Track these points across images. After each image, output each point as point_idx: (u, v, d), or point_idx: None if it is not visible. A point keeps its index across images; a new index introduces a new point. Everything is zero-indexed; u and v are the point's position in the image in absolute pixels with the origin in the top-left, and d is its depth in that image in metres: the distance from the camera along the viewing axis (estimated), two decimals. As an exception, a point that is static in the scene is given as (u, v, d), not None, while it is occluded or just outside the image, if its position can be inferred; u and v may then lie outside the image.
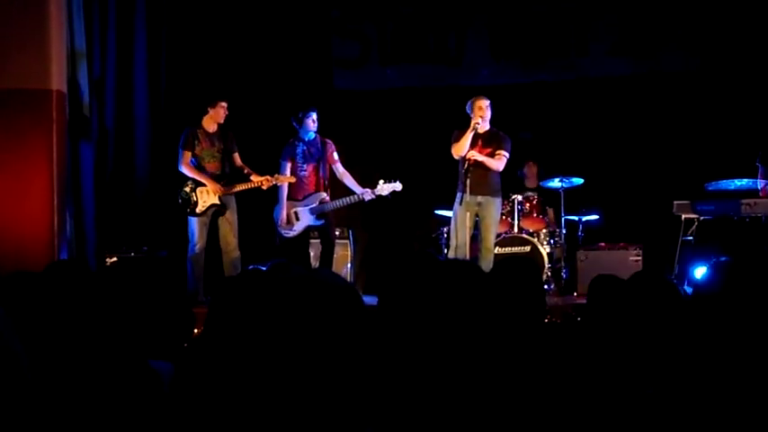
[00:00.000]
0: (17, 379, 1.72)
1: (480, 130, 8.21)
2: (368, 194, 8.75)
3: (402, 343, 2.39)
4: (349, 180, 8.88)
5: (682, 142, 9.71)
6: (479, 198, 8.22)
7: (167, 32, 10.02)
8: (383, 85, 10.64)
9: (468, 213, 8.19)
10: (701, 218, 8.86)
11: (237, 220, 8.61)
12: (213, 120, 8.52)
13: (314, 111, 8.68)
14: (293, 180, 8.63)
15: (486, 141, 8.26)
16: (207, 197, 8.42)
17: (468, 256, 8.12)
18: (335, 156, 8.84)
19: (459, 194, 8.26)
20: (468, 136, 8.13)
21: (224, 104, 8.54)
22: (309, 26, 10.53)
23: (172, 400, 2.26)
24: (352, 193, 8.83)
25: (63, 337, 2.43)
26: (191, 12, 10.17)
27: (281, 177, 8.56)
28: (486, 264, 7.92)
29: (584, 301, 7.87)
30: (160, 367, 2.56)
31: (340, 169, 8.88)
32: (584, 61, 10.33)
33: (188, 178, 8.43)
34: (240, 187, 8.54)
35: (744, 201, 8.57)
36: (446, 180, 10.08)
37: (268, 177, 8.49)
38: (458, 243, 8.24)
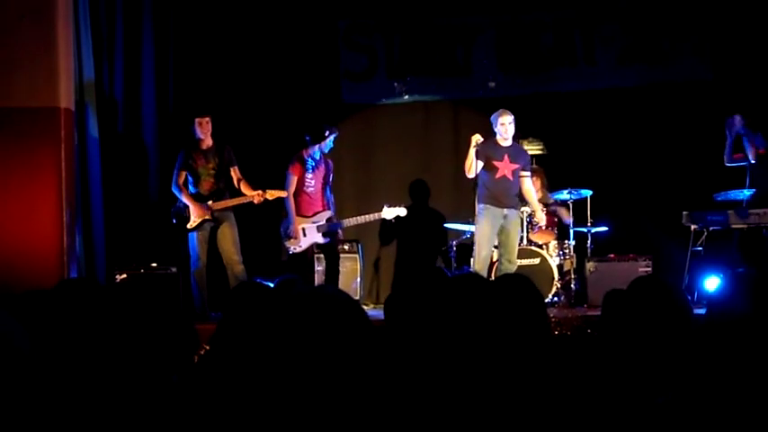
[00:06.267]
0: (24, 380, 1.72)
1: (504, 144, 8.41)
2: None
3: (408, 357, 2.38)
4: (332, 204, 8.90)
5: (690, 153, 9.68)
6: (506, 211, 8.37)
7: (174, 46, 10.03)
8: (391, 98, 10.64)
9: (494, 225, 8.35)
10: (711, 228, 8.84)
11: (238, 234, 8.57)
12: (201, 136, 8.48)
13: (337, 132, 8.69)
14: (284, 194, 8.57)
15: (513, 156, 8.45)
16: (198, 214, 8.43)
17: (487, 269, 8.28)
18: (330, 177, 8.87)
19: (482, 206, 8.36)
20: (471, 154, 8.25)
21: (202, 120, 8.44)
22: (317, 39, 10.53)
23: (178, 412, 2.26)
24: (364, 212, 8.89)
25: (73, 355, 2.43)
26: (198, 24, 10.18)
27: (273, 192, 8.49)
28: None
29: (594, 313, 7.93)
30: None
31: (327, 192, 8.89)
32: (592, 71, 10.31)
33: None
34: (230, 203, 8.51)
35: (753, 211, 8.56)
36: (455, 193, 10.11)
37: (260, 192, 8.44)
38: (486, 254, 8.35)
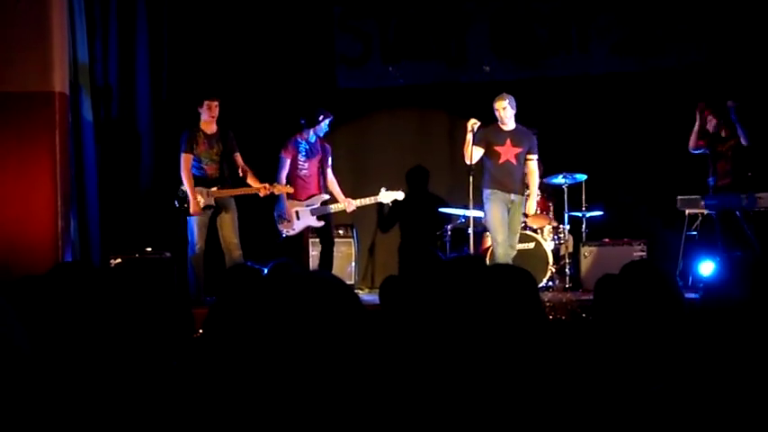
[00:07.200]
0: (20, 369, 1.73)
1: (506, 128, 8.31)
2: (350, 206, 8.80)
3: (403, 341, 2.39)
4: (335, 187, 8.89)
5: (685, 137, 9.68)
6: (512, 196, 8.31)
7: (169, 32, 10.01)
8: (386, 83, 10.62)
9: (503, 209, 8.28)
10: (705, 213, 8.86)
11: (238, 219, 8.57)
12: (208, 120, 8.48)
13: (331, 117, 8.67)
14: (291, 191, 8.58)
15: (515, 140, 8.33)
16: (202, 198, 8.39)
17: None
18: (330, 160, 8.85)
19: (489, 191, 8.30)
20: (468, 140, 8.18)
21: (212, 103, 8.37)
22: (313, 24, 10.52)
23: (173, 397, 2.27)
24: (362, 195, 8.86)
25: (68, 339, 2.43)
26: (192, 10, 10.16)
27: (279, 187, 8.49)
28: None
29: (589, 298, 7.95)
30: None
31: (329, 174, 8.87)
32: (586, 57, 10.28)
33: None
34: (235, 192, 8.50)
35: (746, 195, 8.57)
36: (450, 178, 10.11)
37: (266, 185, 8.41)
38: (503, 238, 8.26)
